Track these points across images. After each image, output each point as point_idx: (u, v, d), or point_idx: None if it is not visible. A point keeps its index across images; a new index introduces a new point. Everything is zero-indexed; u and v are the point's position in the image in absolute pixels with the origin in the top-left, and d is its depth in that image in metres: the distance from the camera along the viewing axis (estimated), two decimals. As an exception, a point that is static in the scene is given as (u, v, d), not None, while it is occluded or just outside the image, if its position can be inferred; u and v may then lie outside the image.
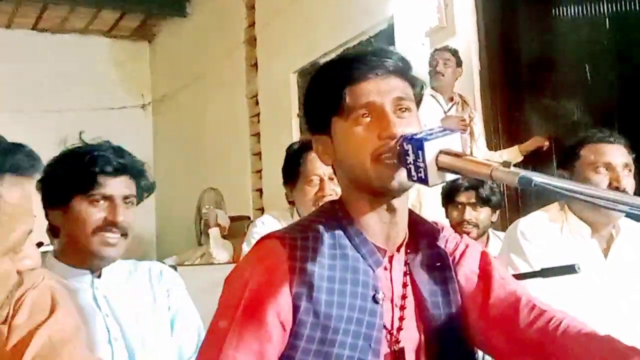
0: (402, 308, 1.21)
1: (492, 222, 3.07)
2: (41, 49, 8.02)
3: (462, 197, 2.99)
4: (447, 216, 3.10)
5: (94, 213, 1.69)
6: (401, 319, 1.20)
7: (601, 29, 3.83)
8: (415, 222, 1.27)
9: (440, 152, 1.05)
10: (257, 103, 6.70)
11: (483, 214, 2.99)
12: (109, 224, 1.69)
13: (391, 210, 1.20)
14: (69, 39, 8.37)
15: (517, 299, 1.20)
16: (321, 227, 1.20)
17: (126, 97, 8.59)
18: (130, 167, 1.75)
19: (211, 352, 1.12)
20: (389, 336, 1.19)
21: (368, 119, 1.15)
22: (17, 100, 7.44)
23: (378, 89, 1.16)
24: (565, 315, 1.15)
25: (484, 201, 2.98)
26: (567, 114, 3.99)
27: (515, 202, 4.20)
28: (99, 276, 1.76)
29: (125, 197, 1.73)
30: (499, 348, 1.22)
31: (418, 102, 1.24)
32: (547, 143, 4.05)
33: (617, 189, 1.98)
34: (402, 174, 1.12)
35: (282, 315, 1.12)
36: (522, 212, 3.41)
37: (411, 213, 1.27)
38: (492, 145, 4.28)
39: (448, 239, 1.30)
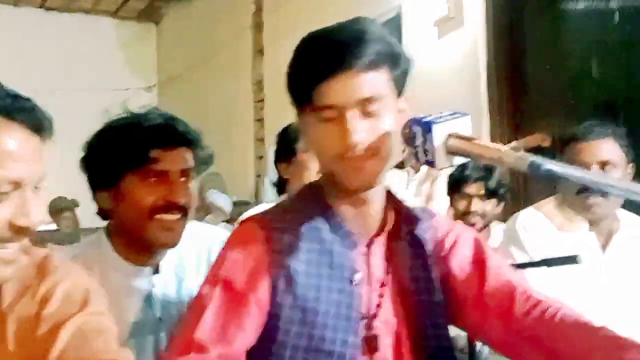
0: (380, 295, 1.22)
1: (497, 214, 3.07)
2: (47, 28, 8.00)
3: (471, 189, 2.98)
4: (452, 206, 3.09)
5: (149, 192, 1.46)
6: (378, 305, 1.21)
7: (610, 23, 3.81)
8: (399, 209, 1.28)
9: (449, 135, 1.05)
10: (262, 88, 6.69)
11: (489, 206, 2.99)
12: (167, 204, 1.46)
13: (362, 201, 1.21)
14: (75, 18, 8.34)
15: (513, 288, 1.20)
16: (299, 211, 1.23)
17: (131, 79, 8.55)
18: (185, 137, 1.52)
19: (193, 318, 1.12)
20: (364, 320, 1.19)
21: (333, 121, 1.13)
22: (22, 78, 7.39)
23: (344, 89, 1.11)
24: (561, 305, 1.15)
25: (491, 193, 2.98)
26: (574, 108, 3.97)
27: (517, 195, 4.20)
28: (157, 270, 1.54)
29: (183, 172, 1.50)
30: (495, 337, 1.22)
31: (401, 82, 1.19)
32: (549, 140, 4.03)
33: (587, 188, 1.96)
34: (364, 175, 1.15)
35: (260, 294, 1.14)
36: (524, 204, 3.41)
37: (394, 200, 1.28)
38: (497, 138, 4.26)
39: (438, 227, 1.30)
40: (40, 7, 8.12)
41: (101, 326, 1.06)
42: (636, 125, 3.27)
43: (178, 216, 1.48)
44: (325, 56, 1.12)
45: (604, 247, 2.08)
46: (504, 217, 3.10)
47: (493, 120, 4.33)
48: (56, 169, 1.51)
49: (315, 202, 1.23)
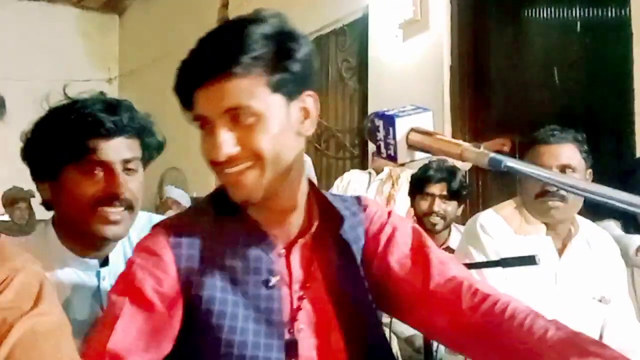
0: (300, 298, 1.17)
1: (457, 216, 3.09)
2: (6, 15, 7.82)
3: (434, 189, 3.00)
4: (413, 206, 3.10)
5: (89, 185, 1.36)
6: (298, 308, 1.17)
7: (572, 33, 3.87)
8: (323, 208, 1.22)
9: (412, 129, 1.04)
10: (225, 84, 6.63)
11: (451, 207, 3.01)
12: (108, 196, 1.37)
13: (270, 209, 1.16)
14: (35, 6, 8.19)
15: (459, 283, 1.16)
16: (212, 214, 1.18)
17: (92, 70, 8.43)
18: (128, 125, 1.40)
19: (105, 327, 1.07)
20: (285, 324, 1.15)
21: (206, 129, 1.09)
22: (-21, 66, 7.25)
23: (210, 99, 1.06)
24: (510, 298, 1.12)
25: (453, 194, 3.00)
26: (534, 116, 4.03)
27: (476, 197, 4.24)
28: (106, 262, 1.46)
29: (126, 161, 1.39)
30: (444, 333, 1.19)
31: (292, 83, 1.09)
32: (508, 145, 4.07)
33: (547, 192, 1.98)
34: (243, 189, 1.09)
35: (171, 301, 1.10)
36: (483, 206, 3.44)
37: (318, 197, 1.23)
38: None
39: (372, 220, 1.26)
40: (-1, -7, 7.96)
41: (53, 326, 1.02)
42: (595, 133, 3.33)
43: (121, 209, 1.39)
44: (196, 64, 1.08)
45: (560, 251, 2.08)
46: (462, 219, 3.13)
47: (454, 124, 4.38)
48: (12, 158, 1.46)
49: (228, 204, 1.16)
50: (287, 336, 1.14)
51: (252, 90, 1.05)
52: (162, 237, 1.14)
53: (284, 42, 1.08)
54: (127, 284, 1.11)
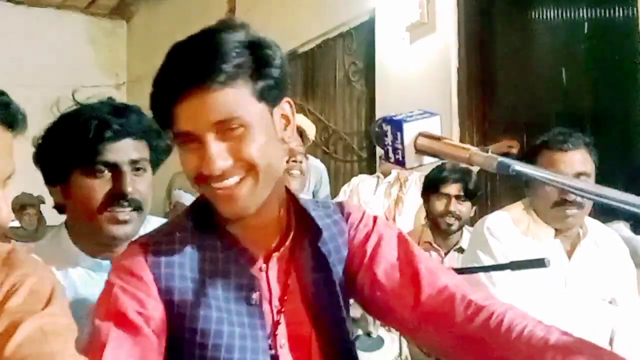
0: (279, 311, 1.15)
1: (470, 216, 3.08)
2: (16, 23, 7.86)
3: (450, 189, 2.98)
4: (426, 206, 3.09)
5: (98, 186, 1.40)
6: (277, 322, 1.14)
7: (579, 33, 3.86)
8: (301, 220, 1.19)
9: (419, 134, 1.04)
10: (233, 89, 6.65)
11: (465, 208, 3.00)
12: (116, 198, 1.40)
13: (249, 224, 1.13)
14: (45, 13, 8.21)
15: (451, 294, 1.11)
16: (189, 230, 1.14)
17: (100, 76, 8.45)
18: (135, 127, 1.43)
19: (93, 357, 1.03)
20: (269, 339, 1.13)
21: (190, 145, 1.04)
22: (-12, 72, 7.29)
23: (196, 113, 1.01)
24: (506, 308, 1.07)
25: (469, 194, 2.99)
26: (542, 117, 4.02)
27: (485, 199, 4.23)
28: None
29: (134, 162, 1.43)
30: (438, 345, 1.15)
31: (274, 91, 1.07)
32: (516, 146, 4.06)
33: (565, 201, 1.96)
34: (236, 203, 1.06)
35: (155, 322, 1.07)
36: (491, 208, 3.43)
37: (296, 207, 1.20)
38: (466, 143, 4.28)
39: (357, 228, 1.23)
40: (9, 1, 7.99)
41: (61, 328, 1.02)
42: (603, 134, 3.32)
43: (129, 209, 1.42)
44: (173, 78, 1.03)
45: (569, 253, 2.07)
46: (471, 221, 3.12)
47: (462, 126, 4.37)
48: (23, 165, 1.48)
49: (205, 219, 1.14)
50: (269, 352, 1.12)
51: (239, 100, 1.02)
52: (141, 257, 1.11)
53: (260, 49, 1.05)
54: (109, 308, 1.07)
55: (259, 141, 1.04)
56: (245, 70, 1.03)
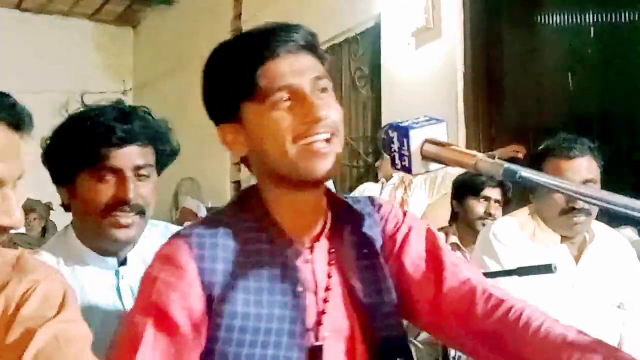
0: (325, 301, 1.14)
1: None
2: (23, 29, 7.92)
3: (491, 193, 2.99)
4: (460, 209, 3.09)
5: (102, 191, 1.42)
6: (322, 312, 1.13)
7: (586, 38, 3.86)
8: (339, 208, 1.19)
9: (426, 141, 1.04)
10: (239, 95, 6.66)
11: (499, 212, 3.00)
12: (119, 202, 1.42)
13: (307, 202, 1.14)
14: (52, 20, 8.27)
15: (473, 288, 1.13)
16: (233, 222, 1.14)
17: (107, 82, 8.50)
18: (140, 133, 1.45)
19: (128, 352, 1.04)
20: (310, 331, 1.12)
21: (288, 103, 1.06)
22: (-4, 79, 7.34)
23: (292, 69, 1.07)
24: (525, 305, 1.09)
25: (507, 199, 3.00)
26: (549, 122, 4.01)
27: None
28: (125, 262, 1.50)
29: (138, 168, 1.44)
30: (456, 338, 1.16)
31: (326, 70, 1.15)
32: (523, 151, 4.05)
33: (573, 209, 1.95)
34: (327, 162, 1.07)
35: (194, 318, 1.06)
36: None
37: (333, 197, 1.20)
38: (473, 148, 4.28)
39: (388, 219, 1.23)
40: (17, 8, 8.04)
41: (76, 335, 1.02)
42: (610, 139, 3.31)
43: (132, 214, 1.43)
44: (266, 38, 1.09)
45: (576, 259, 2.06)
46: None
47: (469, 131, 4.36)
48: (33, 168, 1.50)
49: (251, 209, 1.14)
50: (310, 344, 1.10)
51: (321, 67, 1.12)
52: (185, 249, 1.09)
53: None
54: (150, 303, 1.06)
55: (338, 108, 1.11)
56: (316, 42, 1.14)
